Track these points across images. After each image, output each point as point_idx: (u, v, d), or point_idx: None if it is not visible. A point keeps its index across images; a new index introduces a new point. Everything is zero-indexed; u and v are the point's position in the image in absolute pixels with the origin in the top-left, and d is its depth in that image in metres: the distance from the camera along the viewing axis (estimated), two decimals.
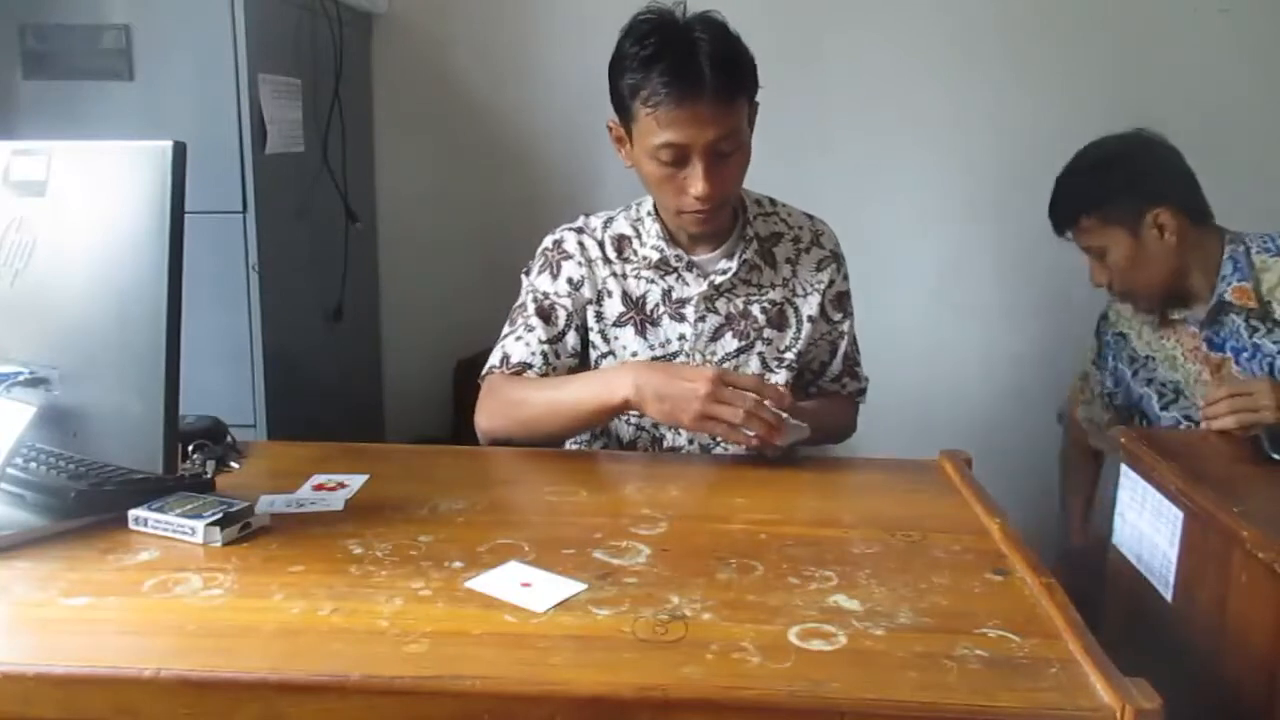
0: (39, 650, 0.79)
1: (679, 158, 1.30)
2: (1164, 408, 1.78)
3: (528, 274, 1.48)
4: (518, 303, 1.46)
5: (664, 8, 1.33)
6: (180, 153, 1.01)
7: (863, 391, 1.56)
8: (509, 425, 1.35)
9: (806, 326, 1.45)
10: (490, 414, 1.37)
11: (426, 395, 2.48)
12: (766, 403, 1.20)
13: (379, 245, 2.48)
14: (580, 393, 1.29)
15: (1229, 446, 1.37)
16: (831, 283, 1.47)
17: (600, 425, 1.41)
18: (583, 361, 1.45)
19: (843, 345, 1.50)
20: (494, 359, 1.42)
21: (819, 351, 1.50)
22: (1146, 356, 1.79)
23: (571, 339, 1.43)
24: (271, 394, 1.88)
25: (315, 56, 2.07)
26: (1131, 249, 1.66)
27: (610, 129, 1.40)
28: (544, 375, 1.40)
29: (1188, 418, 1.73)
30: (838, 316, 1.49)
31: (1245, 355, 1.67)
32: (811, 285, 1.46)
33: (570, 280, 1.43)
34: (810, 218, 1.51)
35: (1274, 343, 1.62)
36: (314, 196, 2.09)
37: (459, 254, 2.44)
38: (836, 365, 1.51)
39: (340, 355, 2.26)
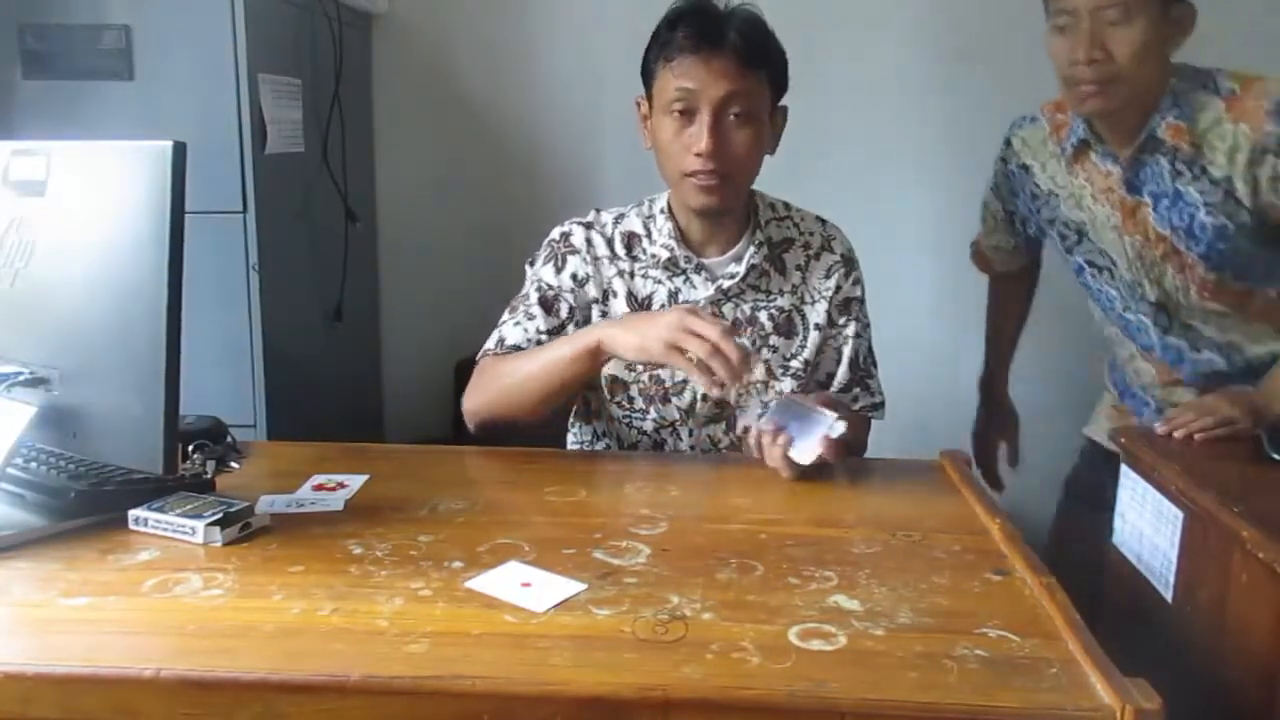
0: (39, 650, 0.79)
1: (689, 108, 1.31)
2: (1068, 250, 1.67)
3: (532, 264, 1.48)
4: (521, 292, 1.46)
5: None
6: (180, 153, 1.01)
7: (877, 407, 1.49)
8: (490, 398, 1.36)
9: (814, 334, 1.43)
10: (476, 390, 1.38)
11: (426, 396, 2.48)
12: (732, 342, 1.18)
13: (379, 245, 2.48)
14: (556, 348, 1.31)
15: (1229, 447, 1.37)
16: (839, 288, 1.45)
17: (574, 380, 1.33)
18: None
19: (848, 351, 1.46)
20: (490, 343, 1.42)
21: (826, 360, 1.47)
22: (1049, 192, 1.65)
23: (570, 332, 1.41)
24: (271, 394, 1.88)
25: (315, 56, 2.07)
26: (1153, 30, 1.40)
27: (638, 105, 1.42)
28: None
29: (1091, 263, 1.64)
30: (842, 320, 1.45)
31: (1165, 202, 1.50)
32: (820, 292, 1.44)
33: (574, 276, 1.43)
34: (823, 222, 1.49)
35: (1200, 192, 1.47)
36: (314, 196, 2.09)
37: (459, 254, 2.44)
38: (843, 373, 1.46)
39: (340, 355, 2.26)
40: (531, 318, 1.41)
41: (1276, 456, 1.29)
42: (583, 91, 2.36)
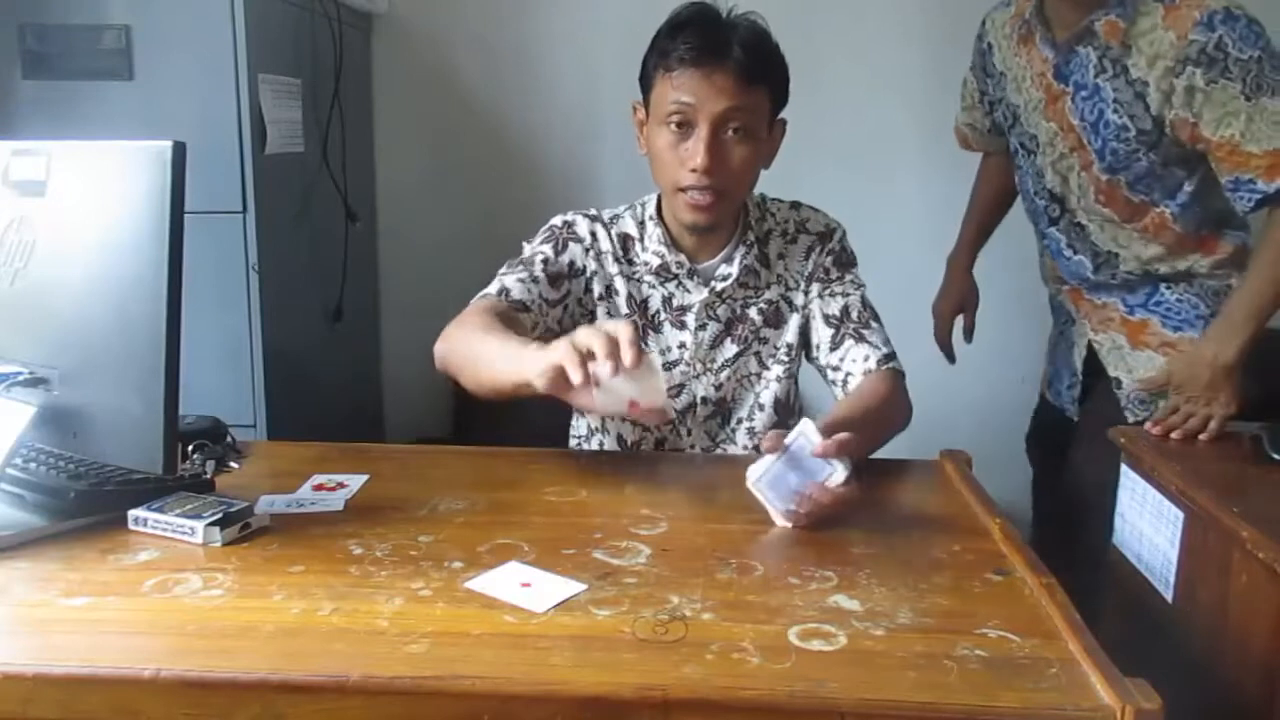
0: (39, 650, 0.79)
1: (686, 121, 1.29)
2: (1009, 130, 1.74)
3: (529, 243, 1.45)
4: (524, 255, 1.41)
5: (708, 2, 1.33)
6: (180, 153, 1.01)
7: (890, 358, 1.38)
8: (457, 357, 1.24)
9: (795, 316, 1.43)
10: (453, 334, 1.27)
11: (426, 396, 2.48)
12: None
13: (379, 245, 2.48)
14: (513, 345, 1.15)
15: (1229, 447, 1.37)
16: (816, 264, 1.43)
17: (507, 388, 1.15)
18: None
19: (818, 307, 1.41)
20: (491, 288, 1.36)
21: (808, 330, 1.44)
22: (1000, 73, 1.71)
23: (559, 313, 1.39)
24: (271, 394, 1.88)
25: (315, 56, 2.07)
26: None
27: (634, 110, 1.39)
28: (531, 327, 1.33)
29: (1022, 145, 1.69)
30: (813, 288, 1.42)
31: (1083, 94, 1.55)
32: (801, 276, 1.44)
33: (572, 264, 1.41)
34: (796, 208, 1.47)
35: (1114, 90, 1.51)
36: (314, 196, 2.09)
37: (459, 254, 2.44)
38: (823, 330, 1.41)
39: (340, 355, 2.26)
40: (536, 280, 1.36)
41: (1276, 456, 1.29)
42: (582, 92, 2.36)
